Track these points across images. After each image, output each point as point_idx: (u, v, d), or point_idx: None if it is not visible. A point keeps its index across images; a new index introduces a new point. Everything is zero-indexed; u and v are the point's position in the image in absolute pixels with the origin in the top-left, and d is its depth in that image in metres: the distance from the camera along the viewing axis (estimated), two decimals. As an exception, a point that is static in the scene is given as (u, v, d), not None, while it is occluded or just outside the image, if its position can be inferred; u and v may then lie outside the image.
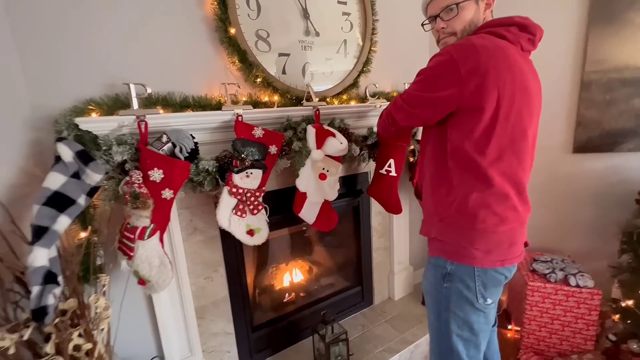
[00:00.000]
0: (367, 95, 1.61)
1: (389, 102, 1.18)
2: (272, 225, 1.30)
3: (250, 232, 1.23)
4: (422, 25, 1.04)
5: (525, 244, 0.97)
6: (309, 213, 1.37)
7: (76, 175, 0.92)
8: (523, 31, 0.86)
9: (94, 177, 0.94)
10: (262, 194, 1.24)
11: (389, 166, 1.49)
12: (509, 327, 1.87)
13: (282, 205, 1.39)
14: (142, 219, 0.99)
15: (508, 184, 0.86)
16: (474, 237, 0.87)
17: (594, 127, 1.79)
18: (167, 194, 1.02)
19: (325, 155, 1.33)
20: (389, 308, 1.92)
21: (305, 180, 1.34)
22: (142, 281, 1.05)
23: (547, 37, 1.72)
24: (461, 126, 0.85)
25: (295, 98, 1.41)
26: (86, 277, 0.99)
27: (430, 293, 1.01)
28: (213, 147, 1.20)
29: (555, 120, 1.86)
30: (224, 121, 1.17)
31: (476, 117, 0.82)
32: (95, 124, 0.96)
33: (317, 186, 1.36)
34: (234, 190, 1.16)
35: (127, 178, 0.96)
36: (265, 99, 1.34)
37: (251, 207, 1.21)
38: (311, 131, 1.30)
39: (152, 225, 1.01)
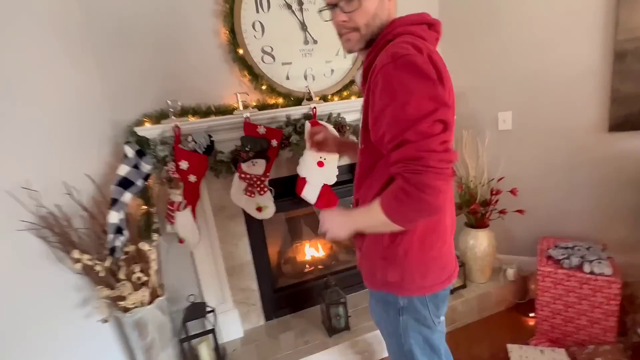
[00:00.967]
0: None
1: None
2: (292, 205, 1.71)
3: (259, 209, 1.57)
4: (320, 12, 0.89)
5: None
6: (309, 194, 1.64)
7: (136, 166, 1.38)
8: (431, 29, 0.81)
9: (146, 167, 1.39)
10: (267, 179, 1.56)
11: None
12: (530, 314, 1.83)
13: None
14: (177, 196, 1.41)
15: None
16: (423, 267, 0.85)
17: (632, 102, 1.61)
18: (192, 178, 1.43)
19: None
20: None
21: (304, 167, 1.61)
22: (181, 240, 1.49)
23: (571, 6, 1.62)
24: None
25: (298, 99, 1.68)
26: (147, 234, 1.47)
27: (385, 328, 0.97)
28: (230, 143, 1.56)
29: (585, 98, 1.71)
30: (236, 122, 1.52)
31: None
32: (147, 131, 1.41)
33: (315, 172, 1.62)
34: (243, 175, 1.51)
35: (166, 167, 1.39)
36: (273, 102, 1.65)
37: (258, 189, 1.55)
38: (307, 126, 1.56)
39: (184, 200, 1.43)
